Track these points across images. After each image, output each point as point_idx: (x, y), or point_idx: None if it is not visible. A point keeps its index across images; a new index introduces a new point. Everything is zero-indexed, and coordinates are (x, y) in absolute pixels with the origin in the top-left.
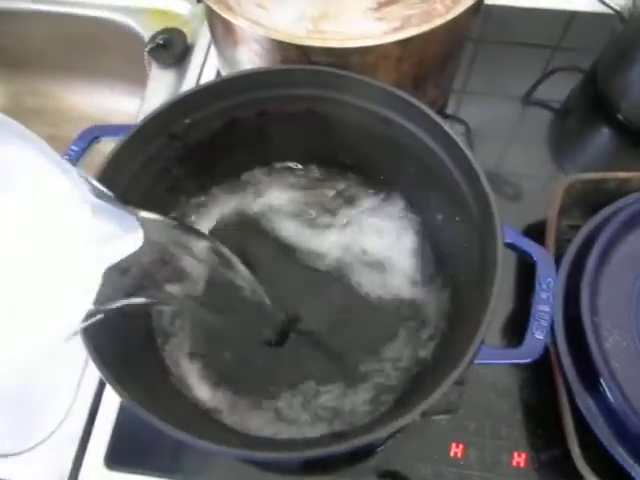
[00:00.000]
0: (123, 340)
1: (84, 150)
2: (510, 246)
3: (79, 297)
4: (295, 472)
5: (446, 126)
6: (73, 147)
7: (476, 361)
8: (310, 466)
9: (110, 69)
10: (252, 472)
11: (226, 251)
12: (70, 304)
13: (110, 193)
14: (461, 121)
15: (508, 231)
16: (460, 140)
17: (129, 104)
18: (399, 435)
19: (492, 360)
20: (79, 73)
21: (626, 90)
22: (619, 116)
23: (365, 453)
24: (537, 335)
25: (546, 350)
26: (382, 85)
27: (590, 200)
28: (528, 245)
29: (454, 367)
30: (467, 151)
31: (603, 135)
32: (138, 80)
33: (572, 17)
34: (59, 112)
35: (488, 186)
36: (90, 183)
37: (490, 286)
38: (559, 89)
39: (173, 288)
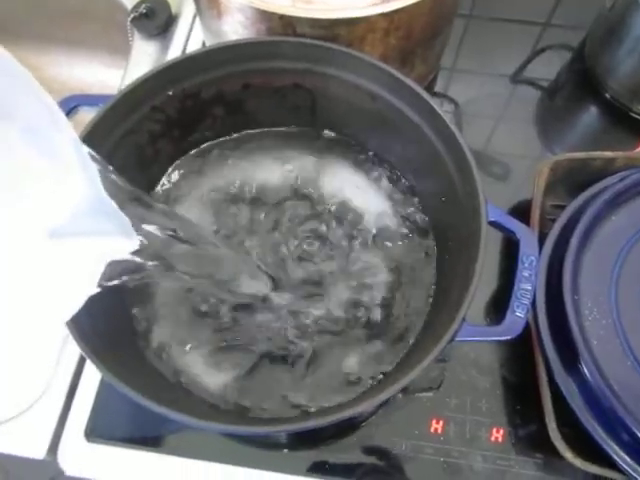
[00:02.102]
0: (101, 315)
1: None
2: (494, 224)
3: (69, 286)
4: (280, 447)
5: (432, 102)
6: None
7: (457, 338)
8: (296, 441)
9: (93, 39)
10: (235, 447)
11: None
12: (61, 293)
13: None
14: (450, 99)
15: (492, 209)
16: (446, 116)
17: (112, 75)
18: (381, 411)
19: (472, 337)
20: (60, 43)
21: (614, 68)
22: (607, 95)
23: (349, 428)
24: (518, 313)
25: (528, 327)
26: (369, 59)
27: (576, 179)
28: (512, 223)
29: (435, 344)
30: (453, 128)
31: (591, 114)
32: (121, 51)
33: None
34: (42, 83)
35: (473, 163)
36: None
37: (473, 263)
38: (549, 67)
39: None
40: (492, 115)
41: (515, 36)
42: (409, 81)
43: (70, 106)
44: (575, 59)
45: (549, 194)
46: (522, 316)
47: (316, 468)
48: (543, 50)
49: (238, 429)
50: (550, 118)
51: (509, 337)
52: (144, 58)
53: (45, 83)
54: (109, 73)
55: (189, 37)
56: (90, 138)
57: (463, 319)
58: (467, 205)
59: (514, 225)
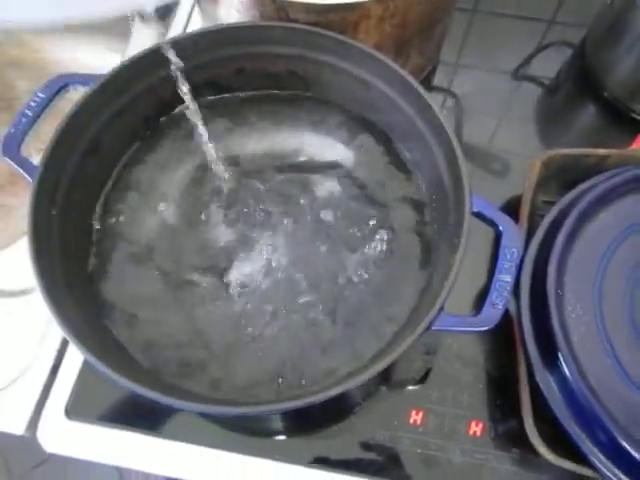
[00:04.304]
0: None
1: (51, 98)
2: (478, 215)
3: None
4: (262, 434)
5: (423, 92)
6: (40, 94)
7: (433, 327)
8: (281, 429)
9: (96, 23)
10: (220, 431)
11: None
12: None
13: None
14: (451, 94)
15: (477, 200)
16: (436, 106)
17: (114, 59)
18: (364, 402)
19: (449, 327)
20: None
21: (613, 66)
22: (605, 93)
23: (332, 418)
24: (496, 304)
25: (512, 322)
26: (362, 46)
27: (568, 176)
28: (495, 214)
29: (411, 332)
30: (442, 118)
31: (590, 112)
32: (123, 35)
33: None
34: (42, 66)
35: (460, 153)
36: None
37: (454, 253)
38: (551, 64)
39: None
40: (492, 111)
41: (518, 32)
42: (401, 71)
43: (59, 85)
44: (576, 57)
45: (541, 190)
46: (500, 307)
47: (298, 457)
48: (545, 47)
49: (216, 409)
50: (550, 115)
51: (485, 328)
52: (144, 42)
53: (48, 66)
54: (111, 57)
55: (188, 22)
56: (78, 117)
57: (441, 308)
58: (453, 196)
59: (498, 217)
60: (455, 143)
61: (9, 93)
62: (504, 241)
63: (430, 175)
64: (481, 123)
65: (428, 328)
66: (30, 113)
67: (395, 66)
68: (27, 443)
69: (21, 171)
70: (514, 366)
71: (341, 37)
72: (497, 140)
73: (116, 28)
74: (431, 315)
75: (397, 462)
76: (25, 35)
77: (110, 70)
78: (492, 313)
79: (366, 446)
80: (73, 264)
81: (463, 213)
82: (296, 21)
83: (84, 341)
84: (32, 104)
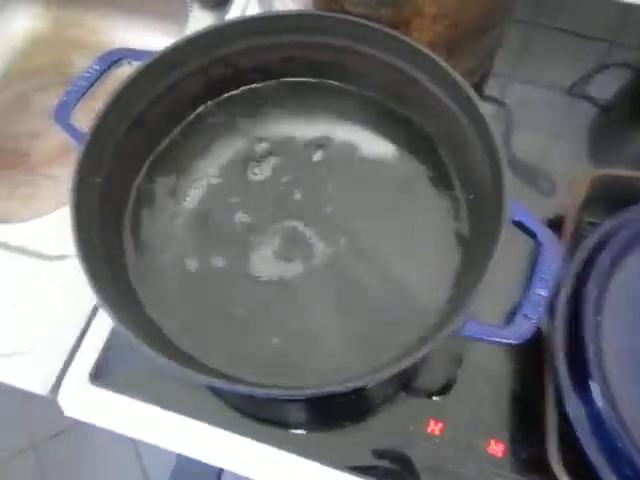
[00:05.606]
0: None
1: (105, 71)
2: (517, 224)
3: None
4: (279, 424)
5: (471, 92)
6: (94, 66)
7: (461, 333)
8: (297, 422)
9: (154, 7)
10: (237, 417)
11: None
12: None
13: None
14: (502, 104)
15: (517, 209)
16: (483, 109)
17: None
18: (385, 405)
19: (476, 334)
20: (124, 10)
21: None
22: None
23: (351, 417)
24: (528, 317)
25: (542, 341)
26: (414, 44)
27: (617, 198)
28: (535, 225)
29: (434, 336)
30: (488, 119)
31: None
32: (181, 21)
33: (630, 11)
34: (100, 46)
35: (503, 157)
36: None
37: (488, 260)
38: (609, 85)
39: None
40: (544, 126)
41: (576, 50)
42: (451, 70)
43: (113, 59)
44: (636, 79)
45: (587, 210)
46: (534, 321)
47: (309, 452)
48: (605, 67)
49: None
50: (604, 137)
51: (516, 341)
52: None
53: (105, 46)
54: (168, 42)
55: (245, 10)
56: (129, 90)
57: (467, 314)
58: (493, 202)
59: (537, 228)
60: (498, 145)
61: (67, 70)
62: (543, 254)
63: (469, 177)
64: (531, 137)
65: (452, 333)
66: (83, 83)
67: (446, 66)
68: (49, 409)
69: (69, 136)
70: (541, 388)
71: (392, 32)
72: (546, 157)
73: (175, 14)
74: (456, 320)
75: (409, 469)
76: (86, 17)
77: (164, 47)
78: (524, 326)
79: (380, 449)
80: (111, 233)
81: (501, 220)
82: (349, 13)
83: (116, 309)
84: (86, 75)
